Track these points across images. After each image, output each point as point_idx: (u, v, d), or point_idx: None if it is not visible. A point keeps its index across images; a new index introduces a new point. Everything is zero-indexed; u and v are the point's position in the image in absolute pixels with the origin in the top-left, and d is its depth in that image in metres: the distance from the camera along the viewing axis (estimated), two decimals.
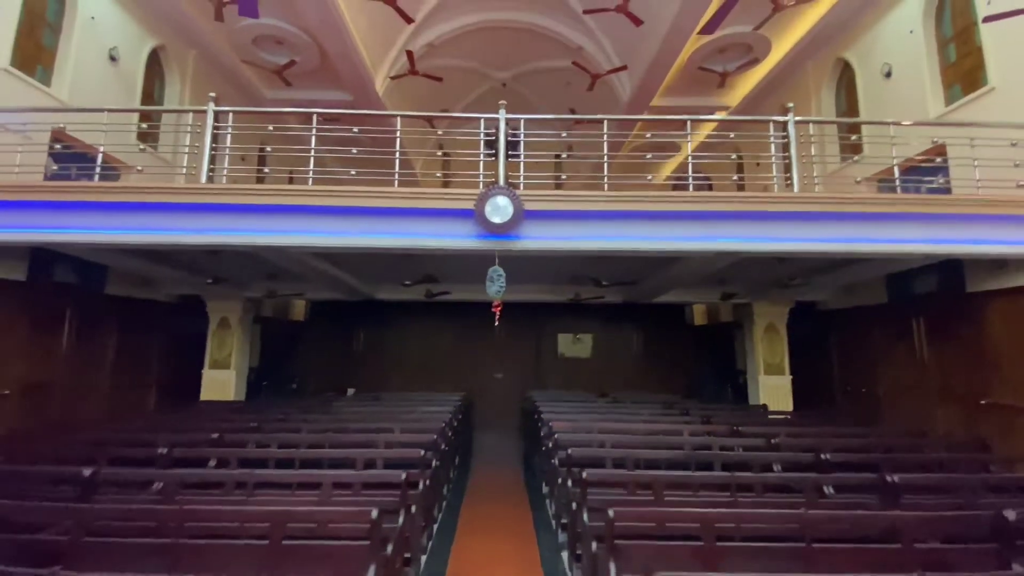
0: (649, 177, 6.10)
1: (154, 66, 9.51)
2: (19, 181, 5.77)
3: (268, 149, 7.54)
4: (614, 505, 3.40)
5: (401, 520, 3.79)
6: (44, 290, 6.86)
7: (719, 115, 12.57)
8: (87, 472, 3.94)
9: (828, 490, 4.59)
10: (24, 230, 5.63)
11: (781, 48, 10.42)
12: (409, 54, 10.66)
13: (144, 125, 8.85)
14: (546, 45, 12.71)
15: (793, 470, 5.02)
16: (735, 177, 10.14)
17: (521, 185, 5.74)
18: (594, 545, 3.47)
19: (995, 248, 5.74)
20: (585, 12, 9.68)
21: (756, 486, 4.56)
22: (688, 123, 5.93)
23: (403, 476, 4.06)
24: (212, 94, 5.84)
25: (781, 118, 5.71)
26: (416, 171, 15.26)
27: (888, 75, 8.34)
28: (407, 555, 4.11)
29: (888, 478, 4.05)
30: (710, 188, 11.37)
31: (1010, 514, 3.14)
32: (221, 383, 9.40)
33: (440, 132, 13.09)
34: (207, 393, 9.39)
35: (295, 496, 4.29)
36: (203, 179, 5.55)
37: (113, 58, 8.42)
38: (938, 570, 2.87)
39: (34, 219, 5.60)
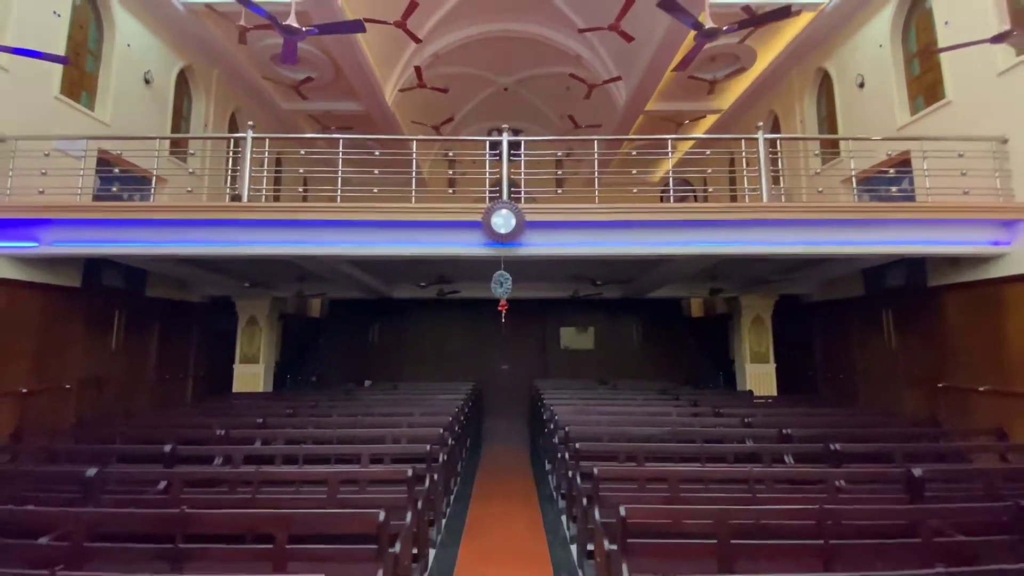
0: (635, 190, 6.85)
1: (182, 84, 10.30)
2: (79, 202, 6.55)
3: (302, 171, 8.27)
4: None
5: (427, 484, 4.61)
6: (96, 295, 7.69)
7: (710, 119, 13.30)
8: (167, 448, 4.77)
9: (788, 459, 5.37)
10: (90, 244, 6.37)
11: (766, 57, 11.07)
12: (417, 70, 11.40)
13: (191, 151, 9.69)
14: (546, 53, 13.42)
15: (761, 444, 5.79)
16: (710, 190, 10.80)
17: (522, 198, 6.51)
18: (584, 500, 4.27)
19: (945, 248, 6.43)
20: (581, 31, 10.38)
21: (728, 456, 5.35)
22: (669, 142, 6.68)
23: (427, 448, 4.89)
24: (250, 123, 6.63)
25: (751, 136, 6.43)
26: (424, 173, 16.07)
27: (861, 86, 9.01)
28: (431, 517, 4.92)
29: (831, 446, 4.83)
30: (696, 197, 12.06)
31: (916, 470, 3.92)
32: (252, 376, 10.29)
33: (451, 154, 14.03)
34: (239, 385, 10.28)
35: (335, 468, 5.10)
36: (245, 198, 6.34)
37: (147, 80, 9.21)
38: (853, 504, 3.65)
39: (96, 235, 6.35)
